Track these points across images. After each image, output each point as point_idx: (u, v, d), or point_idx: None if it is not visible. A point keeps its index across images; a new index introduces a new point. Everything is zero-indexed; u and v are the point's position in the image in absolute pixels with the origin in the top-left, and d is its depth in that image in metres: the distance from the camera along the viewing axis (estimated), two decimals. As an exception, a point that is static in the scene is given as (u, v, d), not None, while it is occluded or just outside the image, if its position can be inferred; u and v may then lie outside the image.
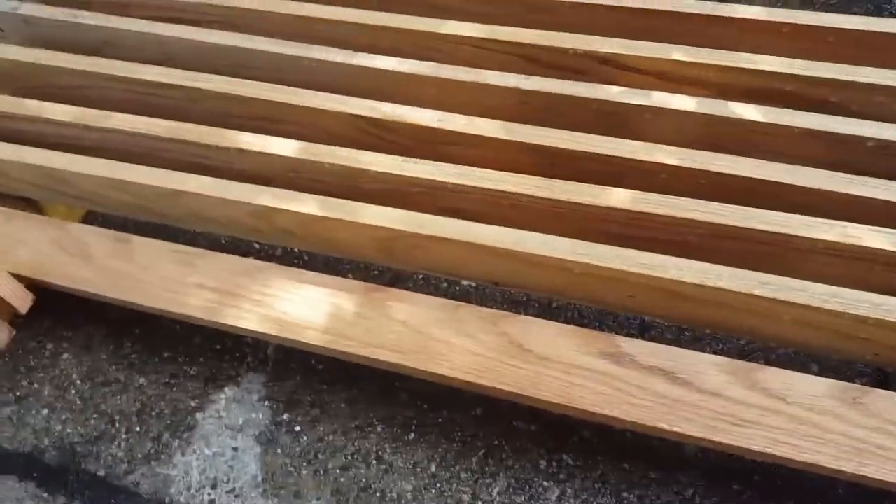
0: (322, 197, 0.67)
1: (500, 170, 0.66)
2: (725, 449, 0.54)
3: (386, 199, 0.68)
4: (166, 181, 0.69)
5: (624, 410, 0.56)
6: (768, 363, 0.71)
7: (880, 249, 0.56)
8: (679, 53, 0.70)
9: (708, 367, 0.58)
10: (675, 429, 0.55)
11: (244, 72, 0.78)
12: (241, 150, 0.71)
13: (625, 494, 0.65)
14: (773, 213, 0.59)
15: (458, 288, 0.81)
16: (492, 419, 0.71)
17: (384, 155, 0.69)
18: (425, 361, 0.61)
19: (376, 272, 0.83)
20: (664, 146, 0.64)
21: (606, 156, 0.65)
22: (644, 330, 0.75)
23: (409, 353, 0.61)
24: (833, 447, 0.53)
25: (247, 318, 0.63)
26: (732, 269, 0.57)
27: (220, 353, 0.78)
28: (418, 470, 0.68)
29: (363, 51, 0.76)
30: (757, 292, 0.55)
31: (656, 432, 0.56)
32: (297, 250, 0.86)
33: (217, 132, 0.72)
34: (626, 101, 0.68)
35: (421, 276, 0.83)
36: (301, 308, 0.64)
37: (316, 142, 0.71)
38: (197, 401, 0.74)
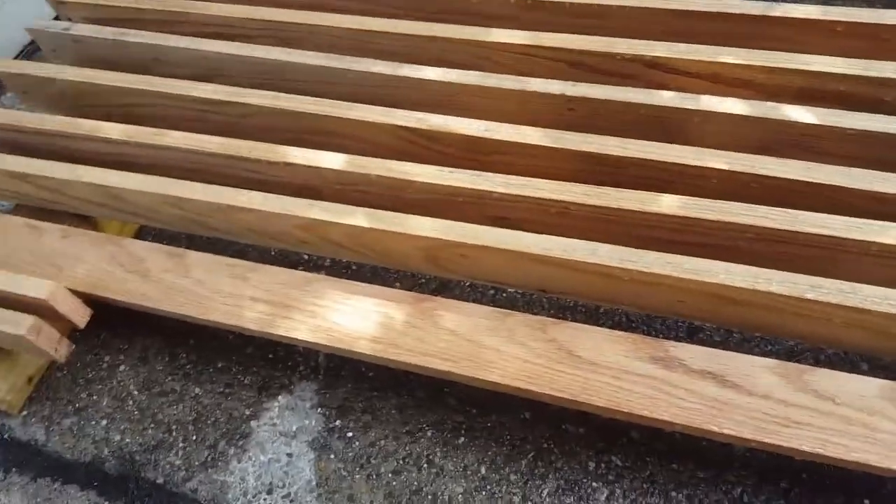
0: (370, 209, 0.69)
1: (547, 178, 0.68)
2: (776, 450, 0.55)
3: (432, 209, 0.70)
4: (218, 197, 0.72)
5: (673, 413, 0.57)
6: (818, 363, 0.71)
7: (933, 250, 0.57)
8: (728, 55, 0.71)
9: (757, 370, 0.58)
10: (726, 431, 0.56)
11: (292, 86, 0.80)
12: (289, 164, 0.73)
13: (673, 494, 0.66)
14: (823, 215, 0.59)
15: (504, 295, 0.83)
16: (540, 422, 0.72)
17: (430, 166, 0.70)
18: (476, 369, 0.62)
19: (423, 281, 0.85)
20: (713, 150, 0.65)
21: (654, 161, 0.65)
22: (692, 333, 0.76)
23: (459, 360, 0.63)
24: (882, 447, 0.53)
25: (300, 329, 0.65)
26: (783, 273, 0.57)
27: (273, 362, 0.81)
28: (468, 472, 0.70)
29: (409, 62, 0.78)
30: (808, 296, 0.56)
31: (706, 434, 0.57)
32: (344, 260, 0.88)
33: (266, 147, 0.75)
34: (675, 105, 0.69)
35: (468, 284, 0.84)
36: (352, 318, 0.66)
37: (363, 154, 0.73)
38: (251, 409, 0.77)
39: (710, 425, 0.57)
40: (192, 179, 0.74)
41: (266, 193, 0.72)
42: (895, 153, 0.64)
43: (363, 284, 0.69)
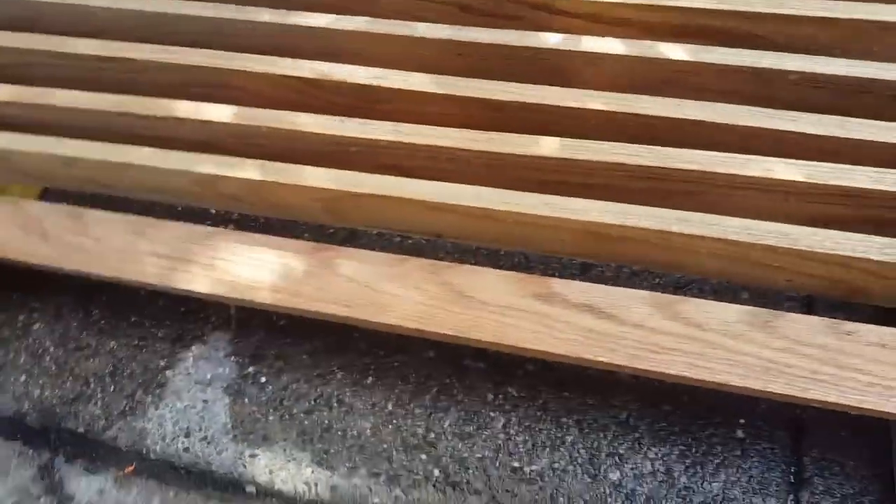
0: (263, 161, 0.69)
1: (438, 125, 0.69)
2: (646, 374, 0.60)
3: (327, 159, 0.71)
4: (111, 155, 0.72)
5: (552, 345, 0.61)
6: (702, 294, 0.76)
7: (794, 181, 0.60)
8: (608, -6, 0.71)
9: (632, 301, 0.62)
10: (600, 358, 0.60)
11: (181, 38, 0.78)
12: (179, 119, 0.73)
13: (564, 420, 0.71)
14: (693, 151, 0.62)
15: (410, 241, 0.85)
16: (443, 360, 0.76)
17: (321, 116, 0.71)
18: (373, 313, 0.65)
19: (331, 231, 0.87)
20: (592, 91, 0.66)
21: (537, 105, 0.67)
22: (585, 270, 0.80)
23: (357, 306, 0.65)
24: (743, 368, 0.58)
25: (200, 281, 0.67)
26: (652, 209, 0.61)
27: (185, 315, 0.83)
28: (376, 409, 0.74)
29: (299, 9, 0.77)
30: (674, 229, 0.59)
31: (583, 363, 0.61)
32: (252, 214, 0.89)
33: (155, 102, 0.74)
34: (558, 47, 0.70)
35: (375, 232, 0.87)
36: (252, 270, 0.68)
37: (255, 106, 0.73)
38: (166, 360, 0.80)
39: (586, 354, 0.61)
40: (84, 139, 0.74)
41: (158, 149, 0.72)
42: (767, 88, 0.66)
43: (262, 236, 0.71)
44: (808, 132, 0.62)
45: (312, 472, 0.71)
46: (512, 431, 0.71)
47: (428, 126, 0.68)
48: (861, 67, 0.65)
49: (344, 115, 0.71)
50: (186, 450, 0.74)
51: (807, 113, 0.63)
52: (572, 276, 0.79)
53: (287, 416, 0.75)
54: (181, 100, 0.74)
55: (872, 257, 0.56)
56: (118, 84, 0.78)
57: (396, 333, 0.74)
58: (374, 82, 0.72)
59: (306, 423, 0.74)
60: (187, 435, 0.75)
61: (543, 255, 0.82)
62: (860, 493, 0.65)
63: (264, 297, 0.65)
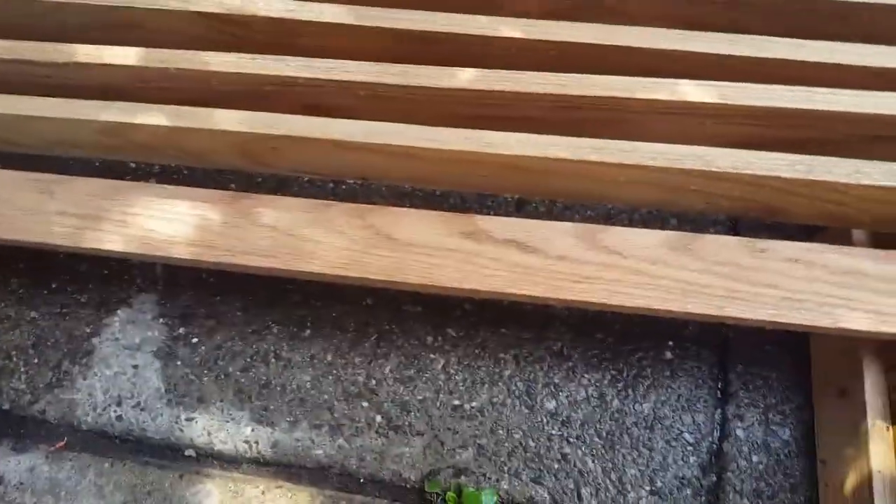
0: (171, 106, 0.69)
1: (355, 59, 0.69)
2: (570, 304, 0.63)
3: (241, 101, 0.71)
4: (9, 107, 0.70)
5: (479, 282, 0.64)
6: (632, 223, 0.80)
7: (708, 103, 0.63)
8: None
9: (556, 234, 0.65)
10: (524, 292, 0.63)
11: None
12: (81, 65, 0.71)
13: (501, 355, 0.75)
14: (611, 77, 0.64)
15: (344, 187, 0.86)
16: (382, 307, 0.79)
17: (232, 54, 0.70)
18: (296, 262, 0.67)
19: (259, 179, 0.87)
20: (510, 19, 0.67)
21: (456, 34, 0.68)
22: (520, 207, 0.82)
23: (279, 255, 0.67)
24: (662, 291, 0.62)
25: (111, 239, 0.67)
26: (569, 139, 0.63)
27: (108, 277, 0.83)
28: (315, 361, 0.77)
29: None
30: (591, 158, 0.62)
31: (510, 297, 0.65)
32: (175, 165, 0.88)
33: (53, 47, 0.72)
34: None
35: (306, 179, 0.87)
36: (166, 223, 0.68)
37: (162, 47, 0.72)
38: (91, 327, 0.80)
39: (511, 289, 0.64)
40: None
41: (59, 98, 0.70)
42: (691, 8, 0.68)
43: (178, 188, 0.71)
44: (722, 53, 0.64)
45: (252, 430, 0.74)
46: (451, 371, 0.75)
47: (343, 61, 0.68)
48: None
49: (257, 53, 0.70)
50: (119, 418, 0.76)
51: (721, 33, 0.66)
52: (508, 214, 0.81)
53: (222, 376, 0.77)
54: (82, 44, 0.72)
55: (782, 174, 0.60)
56: (11, 29, 0.75)
57: (334, 283, 0.76)
58: (288, 15, 0.72)
59: (243, 381, 0.76)
60: (119, 403, 0.76)
61: (480, 195, 0.84)
62: (782, 402, 0.71)
63: (180, 252, 0.66)
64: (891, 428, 0.64)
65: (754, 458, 0.69)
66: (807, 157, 0.60)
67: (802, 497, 0.67)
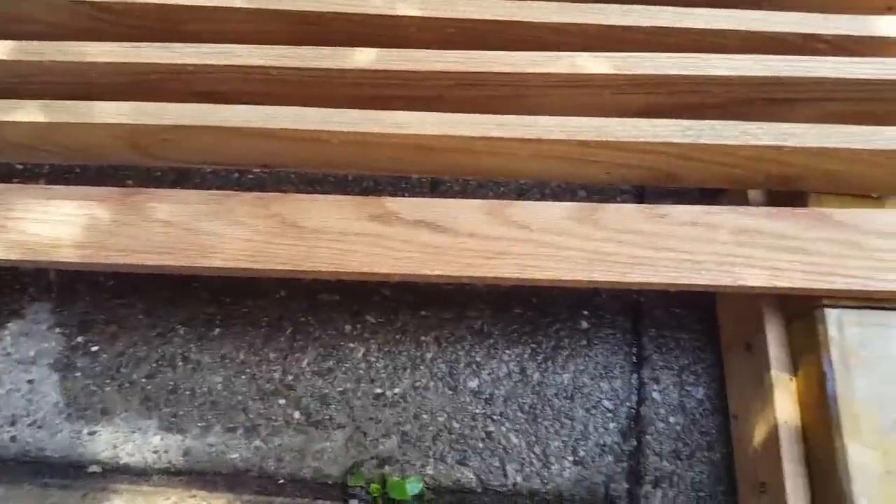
0: (47, 101, 0.65)
1: (247, 43, 0.67)
2: (482, 281, 0.65)
3: (128, 92, 0.68)
4: None
5: (391, 265, 0.64)
6: (543, 197, 0.82)
7: (603, 74, 0.65)
8: None
9: (465, 212, 0.66)
10: (437, 272, 0.64)
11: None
12: (-60, 61, 0.66)
13: (423, 338, 0.75)
14: (509, 53, 0.65)
15: (250, 176, 0.84)
16: (296, 298, 0.78)
17: (112, 43, 0.67)
18: (196, 257, 0.64)
19: (159, 173, 0.84)
20: (407, -3, 0.67)
21: (352, 14, 0.67)
22: (435, 187, 0.83)
23: (177, 252, 0.64)
24: (569, 262, 0.64)
25: (-12, 246, 0.63)
26: (472, 116, 0.64)
27: (-5, 288, 0.78)
28: (227, 361, 0.74)
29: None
30: (493, 134, 0.63)
31: (423, 279, 0.65)
32: (66, 164, 0.84)
33: None
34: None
35: (209, 171, 0.84)
36: (51, 226, 0.64)
37: (37, 38, 0.68)
38: (-23, 343, 0.75)
39: (424, 270, 0.64)
40: None
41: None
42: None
43: (63, 188, 0.67)
44: (614, 24, 0.67)
45: (161, 438, 0.71)
46: (372, 359, 0.75)
47: (234, 45, 0.66)
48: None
49: (142, 41, 0.67)
50: (14, 439, 0.71)
51: (613, 4, 0.68)
52: (422, 195, 0.82)
53: (126, 385, 0.73)
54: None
55: (676, 140, 0.62)
56: None
57: (244, 277, 0.74)
58: (173, 1, 0.69)
59: (149, 388, 0.73)
60: (13, 423, 0.72)
61: (393, 178, 0.84)
62: (694, 363, 0.75)
63: (67, 256, 0.63)
64: (794, 379, 0.69)
65: (671, 420, 0.72)
66: (697, 122, 0.63)
67: (719, 454, 0.71)
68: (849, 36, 0.67)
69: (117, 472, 0.69)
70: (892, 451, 0.61)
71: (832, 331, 0.66)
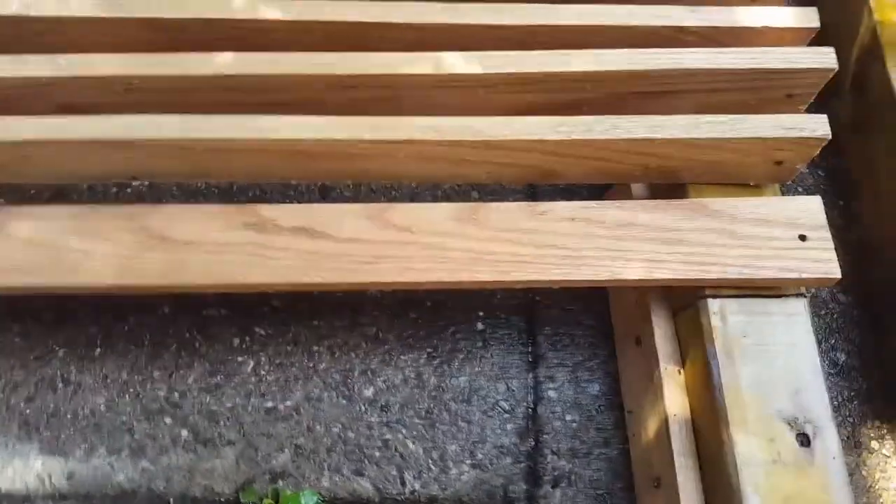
0: None
1: (106, 52, 0.65)
2: (364, 287, 0.64)
3: (-20, 107, 0.65)
4: None
5: (269, 274, 0.62)
6: (435, 200, 0.81)
7: (474, 73, 0.65)
8: None
9: (345, 217, 0.65)
10: (317, 280, 0.63)
11: None
12: None
13: (315, 348, 0.74)
14: (379, 54, 0.65)
15: (129, 190, 0.82)
16: (181, 314, 0.75)
17: (-40, 56, 0.64)
18: (62, 276, 0.62)
19: (33, 192, 0.80)
20: (267, 1, 0.66)
21: (209, 20, 0.65)
22: (325, 194, 0.81)
23: (40, 271, 0.62)
24: (452, 263, 0.63)
25: None
26: (345, 119, 0.63)
27: None
28: (109, 381, 0.72)
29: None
30: (367, 136, 0.62)
31: (304, 288, 0.64)
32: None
33: None
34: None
35: (86, 187, 0.81)
36: None
37: None
38: None
39: (304, 278, 0.63)
40: None
41: None
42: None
43: (-89, 208, 0.64)
44: (485, 23, 0.67)
45: (43, 463, 0.68)
46: (262, 372, 0.73)
47: (91, 54, 0.64)
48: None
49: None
50: None
51: (484, 3, 0.68)
52: (311, 201, 0.80)
53: (4, 409, 0.70)
54: None
55: (547, 137, 0.63)
56: None
57: (126, 295, 0.72)
58: (28, 12, 0.66)
59: (28, 412, 0.70)
60: None
61: (282, 187, 0.82)
62: (589, 358, 0.75)
63: (-84, 279, 0.60)
64: (682, 371, 0.70)
65: (567, 418, 0.72)
66: (570, 118, 0.63)
67: (616, 450, 0.72)
68: (716, 27, 0.68)
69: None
70: (778, 440, 0.63)
71: (715, 320, 0.67)
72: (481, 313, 0.76)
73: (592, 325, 0.76)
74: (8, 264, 0.62)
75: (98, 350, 0.73)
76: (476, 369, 0.73)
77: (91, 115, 0.62)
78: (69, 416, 0.70)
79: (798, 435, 0.62)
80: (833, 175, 0.89)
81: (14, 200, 0.79)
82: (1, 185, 0.79)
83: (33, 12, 0.66)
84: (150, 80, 0.63)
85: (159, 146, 0.62)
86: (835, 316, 0.81)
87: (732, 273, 0.64)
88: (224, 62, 0.63)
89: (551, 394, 0.73)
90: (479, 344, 0.75)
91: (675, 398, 0.69)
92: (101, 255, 0.62)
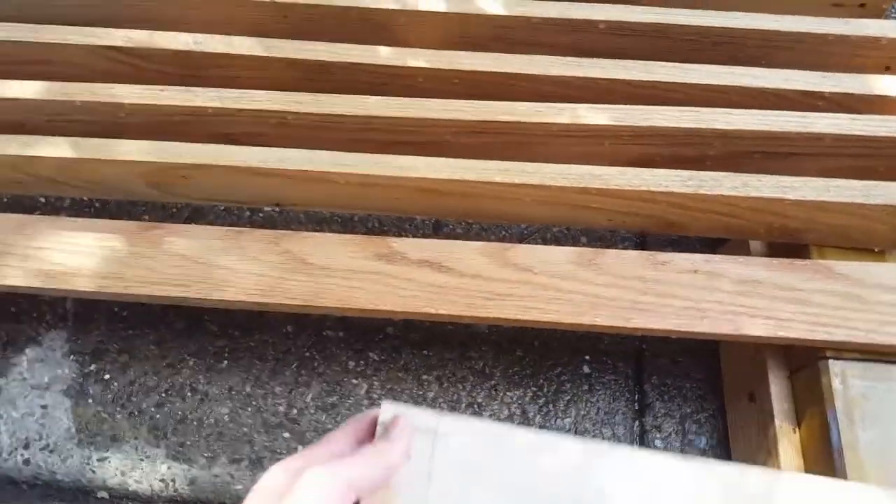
0: (76, 138, 0.69)
1: (264, 89, 0.71)
2: (484, 321, 0.66)
3: (150, 132, 0.72)
4: None
5: (395, 303, 0.66)
6: (545, 242, 0.83)
7: (603, 125, 0.67)
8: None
9: (468, 253, 0.68)
10: (441, 311, 0.65)
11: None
12: (-20, 100, 0.71)
13: (424, 377, 0.76)
14: (512, 103, 0.68)
15: (261, 214, 0.87)
16: (302, 333, 0.79)
17: (139, 86, 0.71)
18: (210, 290, 0.67)
19: (174, 210, 0.87)
20: (416, 49, 0.71)
21: (362, 65, 0.71)
22: (437, 229, 0.85)
23: (192, 284, 0.67)
24: (571, 305, 0.65)
25: (12, 274, 0.66)
26: (477, 161, 0.66)
27: (16, 315, 0.81)
28: (233, 393, 0.76)
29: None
30: (497, 179, 0.65)
31: (428, 317, 0.66)
32: (86, 199, 0.88)
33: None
34: (380, 6, 0.74)
35: (222, 208, 0.88)
36: (71, 256, 0.67)
37: (67, 80, 0.72)
38: (-5, 367, 0.78)
39: (428, 308, 0.66)
40: None
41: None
42: (578, 36, 0.73)
43: (84, 220, 0.70)
44: (615, 77, 0.69)
45: (168, 467, 0.73)
46: (375, 396, 0.76)
47: (254, 90, 0.70)
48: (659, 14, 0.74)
49: (166, 84, 0.72)
50: (27, 462, 0.73)
51: (613, 60, 0.71)
52: (426, 236, 0.84)
53: (136, 413, 0.75)
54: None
55: (675, 189, 0.64)
56: None
57: (253, 312, 0.77)
58: (195, 48, 0.73)
59: (158, 417, 0.75)
60: (27, 446, 0.74)
61: (397, 219, 0.86)
62: (697, 412, 0.74)
63: (86, 285, 0.65)
64: (797, 430, 0.68)
65: (672, 468, 0.72)
66: (698, 172, 0.64)
67: (721, 504, 0.70)
68: (848, 94, 0.68)
69: (125, 499, 0.71)
70: (899, 508, 0.61)
71: (836, 383, 0.66)
72: (587, 357, 0.77)
73: (701, 378, 0.76)
74: (163, 277, 0.67)
75: (225, 363, 0.78)
76: (581, 412, 0.74)
77: (247, 146, 0.68)
78: (195, 424, 0.74)
79: (922, 507, 0.60)
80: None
81: (155, 217, 0.86)
82: (145, 202, 0.87)
83: (202, 48, 0.73)
84: (303, 116, 0.69)
85: (308, 178, 0.67)
86: (956, 389, 0.77)
87: (859, 337, 0.63)
88: (374, 104, 0.68)
89: (658, 443, 0.72)
90: (585, 387, 0.75)
91: (789, 456, 0.67)
92: (247, 274, 0.67)
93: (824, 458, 0.64)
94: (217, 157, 0.67)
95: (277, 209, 0.86)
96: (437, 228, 0.84)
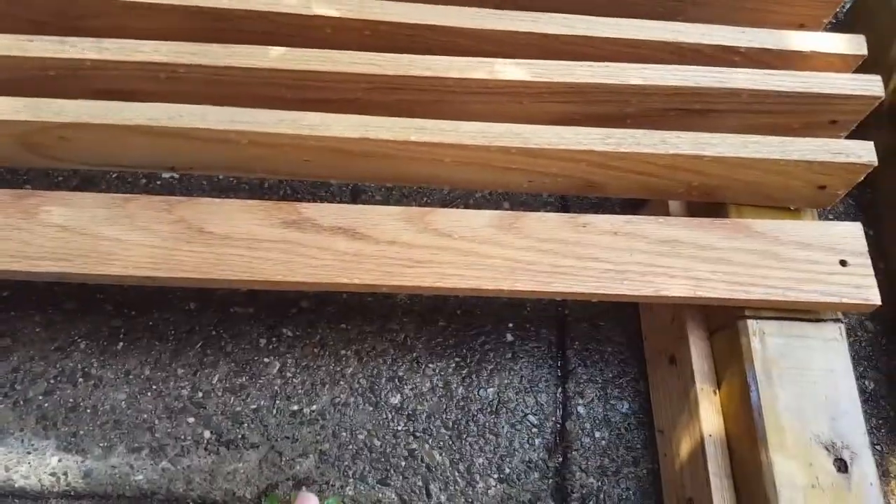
0: (-71, 96, 0.60)
1: (153, 39, 0.64)
2: (402, 290, 0.62)
3: (18, 89, 0.63)
4: None
5: (307, 273, 0.61)
6: (467, 207, 0.81)
7: (523, 81, 0.64)
8: None
9: (384, 219, 0.64)
10: (356, 281, 0.61)
11: None
12: None
13: (343, 352, 0.72)
14: (429, 57, 0.64)
15: (158, 182, 0.80)
16: (207, 310, 0.74)
17: (6, 35, 0.63)
18: (94, 264, 0.60)
19: (60, 178, 0.79)
20: (324, -2, 0.65)
21: (266, 13, 0.65)
22: (355, 196, 0.80)
23: (73, 258, 0.60)
24: (492, 271, 0.62)
25: None
26: (392, 119, 0.62)
27: None
28: (131, 377, 0.70)
29: None
30: (413, 138, 0.61)
31: (342, 288, 0.62)
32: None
33: None
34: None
35: (115, 175, 0.80)
36: (-71, 229, 0.59)
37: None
38: None
39: (342, 278, 0.62)
40: None
41: None
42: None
43: (-57, 190, 0.62)
44: (531, 31, 0.66)
45: (60, 459, 0.66)
46: (289, 374, 0.71)
47: (138, 40, 0.63)
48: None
49: (38, 34, 0.63)
50: None
51: (534, 12, 0.68)
52: (342, 202, 0.79)
53: (21, 402, 0.68)
54: None
55: (595, 148, 0.62)
56: None
57: (151, 288, 0.70)
58: (72, -6, 0.65)
59: (46, 405, 0.68)
60: None
61: (312, 185, 0.81)
62: (619, 376, 0.74)
63: (-53, 262, 0.58)
64: (718, 391, 0.68)
65: (597, 435, 0.71)
66: (617, 130, 0.62)
67: (645, 469, 0.70)
68: (764, 49, 0.68)
69: (11, 497, 0.64)
70: (816, 464, 0.61)
71: (754, 342, 0.66)
72: (511, 324, 0.75)
73: (622, 342, 0.75)
74: (40, 251, 0.60)
75: (121, 344, 0.71)
76: (505, 381, 0.72)
77: (134, 102, 0.61)
78: (88, 412, 0.68)
79: (836, 460, 0.61)
80: (862, 204, 0.89)
81: (41, 186, 0.77)
82: (28, 170, 0.78)
83: (79, -4, 0.65)
84: (197, 69, 0.62)
85: (203, 137, 0.61)
86: (863, 343, 0.80)
87: (776, 295, 0.63)
88: (275, 56, 0.62)
89: (581, 410, 0.71)
90: (509, 355, 0.73)
91: (710, 418, 0.67)
92: (136, 245, 0.61)
93: (744, 417, 0.65)
94: (99, 115, 0.60)
95: (175, 176, 0.79)
96: (356, 196, 0.80)
